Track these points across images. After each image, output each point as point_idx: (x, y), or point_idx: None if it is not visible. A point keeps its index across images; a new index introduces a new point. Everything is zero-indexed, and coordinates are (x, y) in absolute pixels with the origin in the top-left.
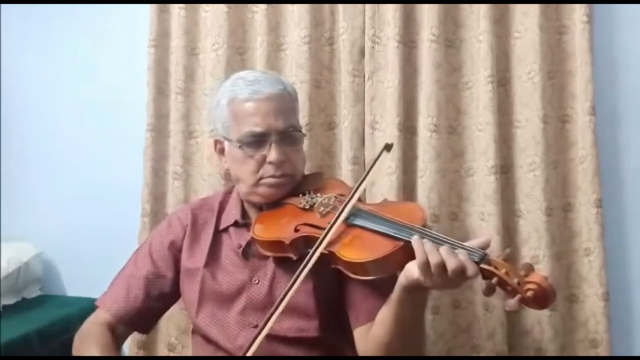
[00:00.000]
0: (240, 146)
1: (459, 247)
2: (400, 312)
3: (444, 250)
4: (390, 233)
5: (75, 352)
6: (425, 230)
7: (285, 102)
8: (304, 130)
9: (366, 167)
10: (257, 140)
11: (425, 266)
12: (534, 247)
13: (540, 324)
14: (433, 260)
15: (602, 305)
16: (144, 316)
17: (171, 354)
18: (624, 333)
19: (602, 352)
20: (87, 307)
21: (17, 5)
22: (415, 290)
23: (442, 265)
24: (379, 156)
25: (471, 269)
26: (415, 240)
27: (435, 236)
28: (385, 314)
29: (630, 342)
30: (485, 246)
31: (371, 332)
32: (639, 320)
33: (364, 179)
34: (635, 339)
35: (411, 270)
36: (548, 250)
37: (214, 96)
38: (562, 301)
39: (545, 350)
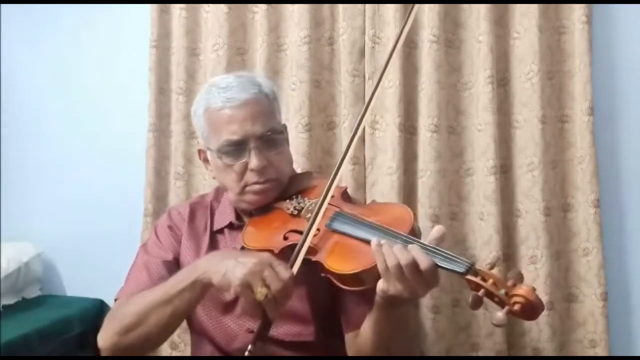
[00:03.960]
0: (219, 156)
1: (442, 255)
2: (379, 328)
3: (397, 248)
4: None
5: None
6: (411, 239)
7: (261, 105)
8: (303, 130)
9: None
10: (236, 149)
11: (385, 270)
12: (533, 247)
13: (538, 323)
14: (390, 262)
15: (601, 305)
16: None
17: (174, 353)
18: (623, 333)
19: (600, 352)
20: (87, 307)
21: (17, 6)
22: (390, 305)
23: (399, 266)
24: (409, 15)
25: (423, 261)
26: (373, 245)
27: (421, 245)
28: (366, 328)
29: (628, 342)
30: (440, 237)
31: (355, 341)
32: (638, 320)
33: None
34: (634, 339)
35: (380, 283)
36: (547, 250)
37: (192, 105)
38: (560, 301)
39: (543, 350)
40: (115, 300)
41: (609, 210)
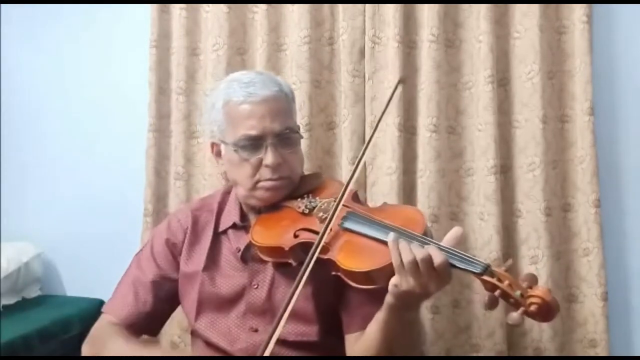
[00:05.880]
0: (236, 150)
1: (459, 256)
2: (386, 330)
3: (414, 246)
4: None
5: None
6: (426, 239)
7: (281, 103)
8: (303, 130)
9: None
10: (253, 144)
11: (400, 266)
12: (533, 247)
13: (539, 324)
14: (405, 257)
15: (601, 305)
16: (152, 320)
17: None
18: (623, 333)
19: (600, 352)
20: (87, 307)
21: (17, 5)
22: (400, 306)
23: (413, 262)
24: (394, 91)
25: (437, 257)
26: (390, 241)
27: (438, 246)
28: (373, 330)
29: (629, 342)
30: (457, 238)
31: (359, 342)
32: (638, 320)
33: (373, 133)
34: (634, 339)
35: (393, 278)
36: (547, 250)
37: (209, 98)
38: (561, 301)
39: (544, 350)
40: (102, 312)
41: (609, 210)
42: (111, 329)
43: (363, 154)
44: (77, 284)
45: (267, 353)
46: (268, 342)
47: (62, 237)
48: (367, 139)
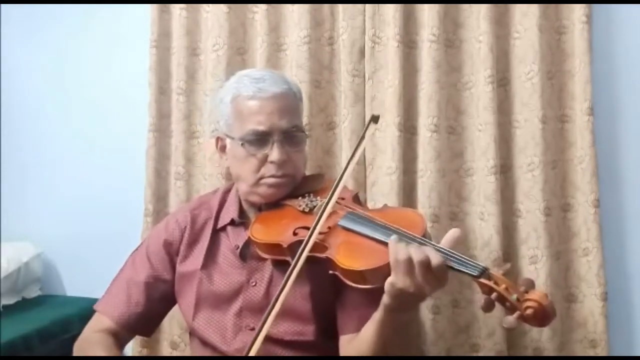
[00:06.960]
0: (242, 144)
1: (456, 258)
2: (381, 330)
3: (412, 246)
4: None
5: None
6: (425, 241)
7: (289, 101)
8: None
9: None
10: (260, 139)
11: (395, 264)
12: (533, 247)
13: None
14: (401, 256)
15: (601, 305)
16: (146, 321)
17: (174, 353)
18: (623, 333)
19: (600, 352)
20: (87, 307)
21: (17, 5)
22: (396, 308)
23: (410, 261)
24: (366, 129)
25: (435, 258)
26: (390, 240)
27: (436, 247)
28: (369, 331)
29: (628, 342)
30: (455, 239)
31: (353, 342)
32: (638, 320)
33: (352, 156)
34: (634, 339)
35: (390, 277)
36: (547, 250)
37: (217, 93)
38: (560, 301)
39: (543, 350)
40: (94, 310)
41: (609, 210)
42: (97, 336)
43: (351, 157)
44: (77, 284)
45: (253, 352)
46: (254, 340)
47: (62, 237)
48: (366, 139)
